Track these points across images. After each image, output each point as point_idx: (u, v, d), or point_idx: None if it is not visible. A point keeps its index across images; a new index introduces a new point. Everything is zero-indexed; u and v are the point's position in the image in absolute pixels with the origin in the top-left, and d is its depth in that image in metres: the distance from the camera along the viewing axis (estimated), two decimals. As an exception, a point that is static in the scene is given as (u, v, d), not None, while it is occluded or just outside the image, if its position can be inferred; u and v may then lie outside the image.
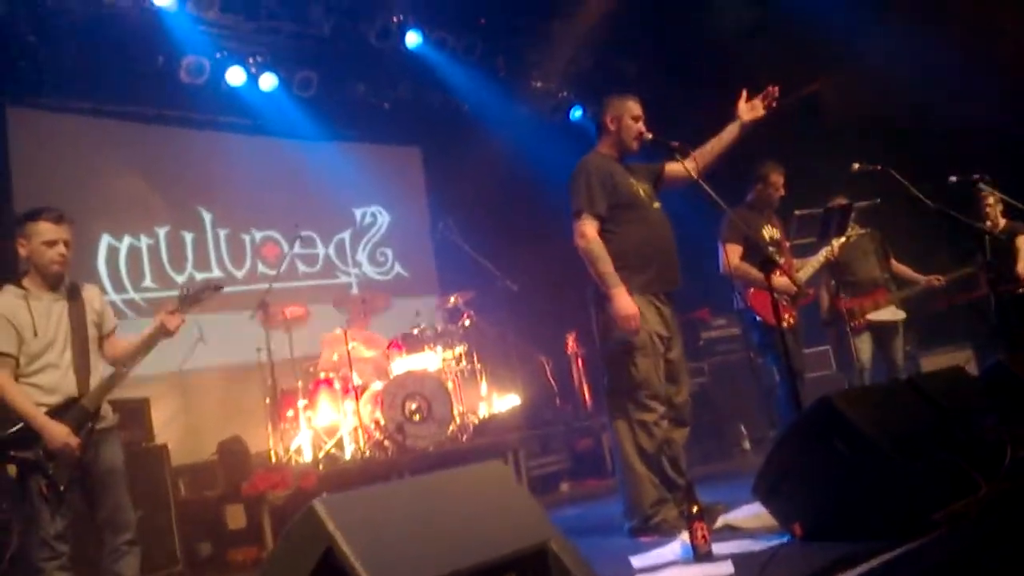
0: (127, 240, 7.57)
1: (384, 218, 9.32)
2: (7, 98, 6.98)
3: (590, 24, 8.55)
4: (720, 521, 3.74)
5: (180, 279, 7.68)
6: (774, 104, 4.32)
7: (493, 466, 2.24)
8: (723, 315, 7.78)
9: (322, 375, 6.84)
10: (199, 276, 7.81)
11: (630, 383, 4.08)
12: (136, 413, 5.38)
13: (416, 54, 8.20)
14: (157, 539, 4.95)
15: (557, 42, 8.87)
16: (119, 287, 7.39)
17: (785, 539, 3.19)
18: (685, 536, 3.32)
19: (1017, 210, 6.12)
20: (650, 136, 4.28)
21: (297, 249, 7.77)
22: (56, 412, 3.56)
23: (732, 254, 5.12)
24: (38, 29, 6.60)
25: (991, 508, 2.86)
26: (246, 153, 8.46)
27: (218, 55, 7.50)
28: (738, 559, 3.06)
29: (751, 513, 3.69)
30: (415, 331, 7.26)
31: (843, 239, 5.55)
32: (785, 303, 5.19)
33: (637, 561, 3.38)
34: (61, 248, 3.66)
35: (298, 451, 6.60)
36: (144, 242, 7.66)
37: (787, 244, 5.51)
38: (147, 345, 3.80)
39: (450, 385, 7.01)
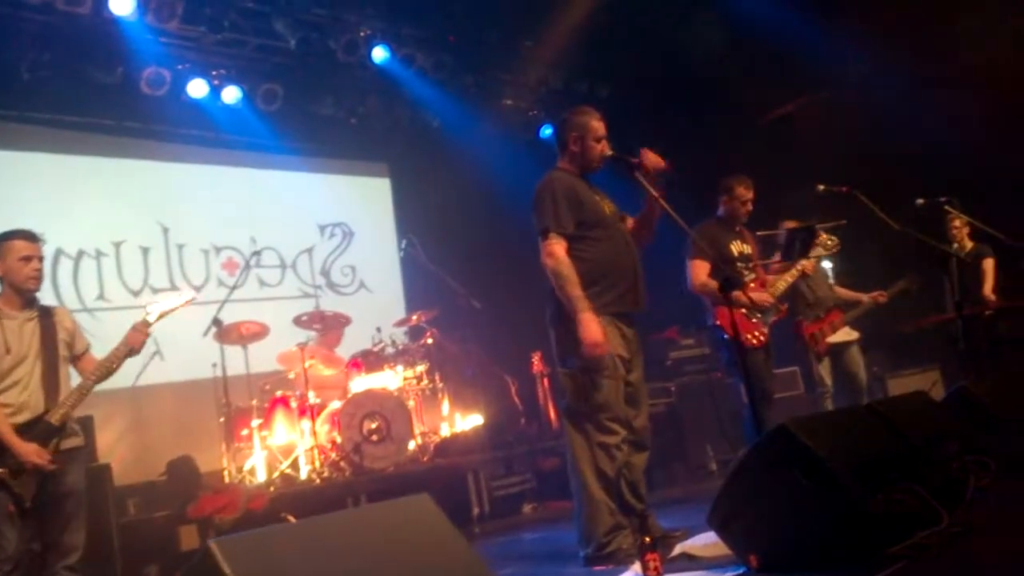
0: (81, 253, 7.34)
1: (349, 234, 9.15)
2: (-40, 107, 6.79)
3: (561, 42, 8.50)
4: (678, 549, 3.65)
5: (136, 293, 7.45)
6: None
7: (417, 500, 2.09)
8: (692, 334, 7.70)
9: (278, 393, 6.68)
10: (157, 290, 7.54)
11: (591, 405, 3.95)
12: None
13: (384, 69, 8.05)
14: (98, 565, 4.76)
15: (528, 60, 8.81)
16: (72, 300, 7.13)
17: (741, 571, 3.08)
18: (638, 567, 3.20)
19: (984, 232, 6.12)
20: (609, 153, 4.18)
21: (258, 265, 7.60)
22: (21, 429, 3.59)
23: (700, 271, 5.09)
24: (-8, 37, 6.43)
25: (953, 540, 2.78)
26: (208, 166, 8.28)
27: (180, 67, 7.31)
28: (691, 592, 2.94)
29: (710, 541, 3.56)
30: (375, 348, 7.10)
31: (812, 259, 5.51)
32: (757, 320, 5.11)
33: (588, 593, 3.26)
34: (36, 264, 3.78)
35: (252, 471, 6.42)
36: (100, 255, 7.44)
37: (758, 260, 5.44)
38: (117, 363, 3.87)
39: (411, 404, 6.87)
